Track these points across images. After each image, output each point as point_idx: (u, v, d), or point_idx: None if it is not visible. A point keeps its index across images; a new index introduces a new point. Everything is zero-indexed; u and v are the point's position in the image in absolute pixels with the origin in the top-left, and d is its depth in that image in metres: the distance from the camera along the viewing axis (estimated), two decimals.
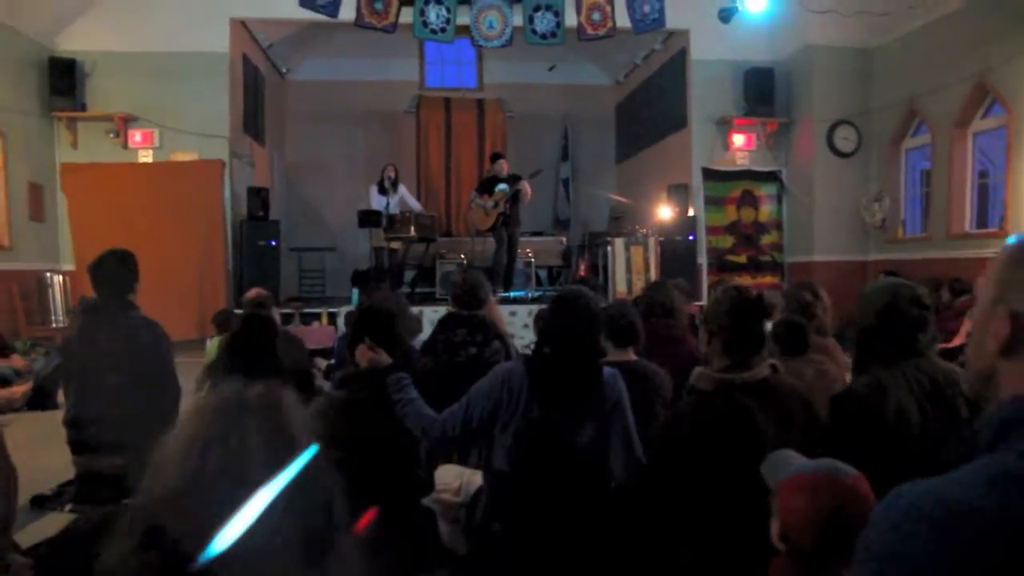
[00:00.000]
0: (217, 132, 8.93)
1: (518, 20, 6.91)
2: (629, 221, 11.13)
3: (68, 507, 3.77)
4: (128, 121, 8.85)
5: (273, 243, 9.06)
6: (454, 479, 3.16)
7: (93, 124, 8.83)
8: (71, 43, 8.76)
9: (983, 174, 8.32)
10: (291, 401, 1.08)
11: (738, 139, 9.69)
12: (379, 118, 12.33)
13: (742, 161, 9.73)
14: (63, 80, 8.59)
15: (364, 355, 2.79)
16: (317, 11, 6.80)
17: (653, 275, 9.25)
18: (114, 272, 3.87)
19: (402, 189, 10.01)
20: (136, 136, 8.90)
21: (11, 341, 7.45)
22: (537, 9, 6.76)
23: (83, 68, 8.76)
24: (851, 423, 2.62)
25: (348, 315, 5.04)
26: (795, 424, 2.49)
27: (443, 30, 6.75)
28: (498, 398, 2.67)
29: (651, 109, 11.21)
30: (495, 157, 9.85)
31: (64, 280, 8.31)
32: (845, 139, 9.29)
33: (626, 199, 12.06)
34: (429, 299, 9.56)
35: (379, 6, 6.56)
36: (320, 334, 7.52)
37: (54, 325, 8.06)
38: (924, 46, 8.44)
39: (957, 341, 7.31)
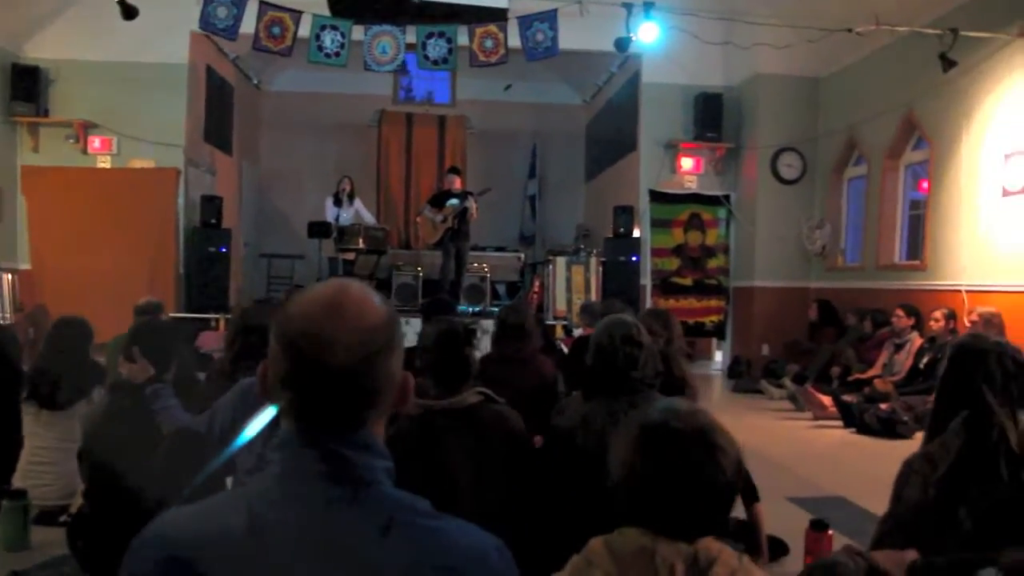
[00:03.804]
0: (174, 141, 9.21)
1: (411, 38, 7.10)
2: (595, 240, 11.26)
3: None
4: (88, 127, 9.17)
5: (223, 250, 9.31)
6: None
7: (54, 129, 9.16)
8: (37, 51, 9.10)
9: (917, 205, 8.34)
10: None
11: (686, 162, 9.79)
12: (351, 130, 12.60)
13: (690, 184, 9.82)
14: (26, 86, 8.94)
15: (122, 366, 2.98)
16: (217, 34, 7.08)
17: (593, 295, 9.38)
18: None
19: (357, 202, 10.26)
20: (95, 142, 9.22)
21: None
22: (430, 36, 6.96)
23: (47, 75, 9.10)
24: (558, 454, 2.78)
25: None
26: (494, 451, 2.62)
27: (337, 54, 6.98)
28: (235, 412, 2.84)
29: (611, 130, 11.35)
30: (450, 171, 10.08)
31: (13, 279, 8.62)
32: (789, 166, 9.35)
33: (587, 218, 12.21)
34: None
35: (276, 31, 6.82)
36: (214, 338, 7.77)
37: (1, 321, 8.36)
38: (863, 77, 8.51)
39: (872, 372, 7.37)
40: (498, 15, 7.91)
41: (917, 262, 7.70)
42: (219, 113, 10.50)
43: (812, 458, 5.53)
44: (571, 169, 13.10)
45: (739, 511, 3.24)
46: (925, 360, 6.86)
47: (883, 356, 7.39)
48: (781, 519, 3.64)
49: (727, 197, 9.81)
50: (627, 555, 1.38)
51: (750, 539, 3.09)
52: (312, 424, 1.07)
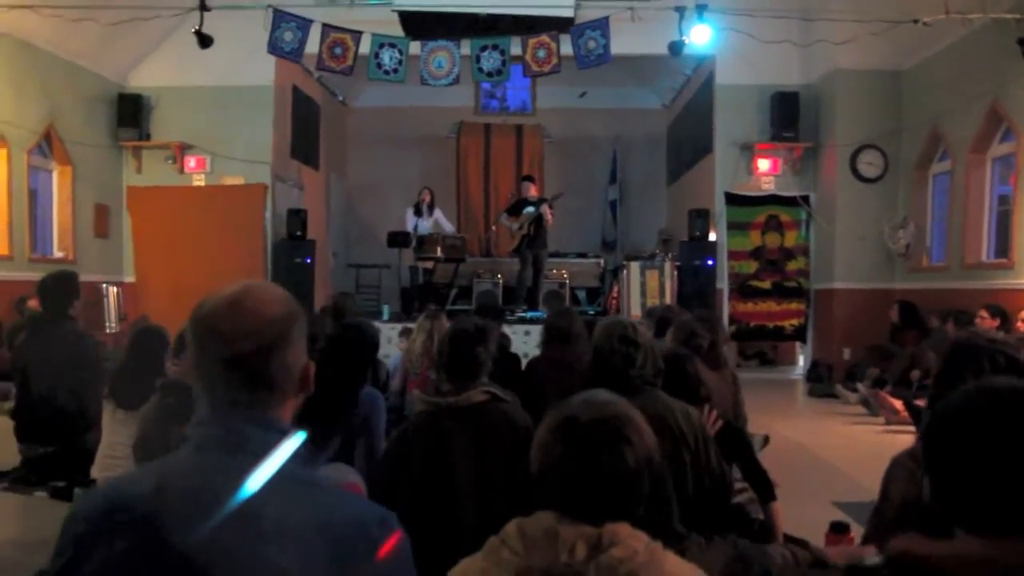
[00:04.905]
0: (262, 158, 9.75)
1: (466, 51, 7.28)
2: (676, 245, 11.17)
3: (3, 486, 4.43)
4: (184, 148, 9.82)
5: (308, 260, 9.75)
6: None
7: (155, 151, 9.87)
8: (139, 80, 9.84)
9: (1006, 200, 7.92)
10: None
11: (763, 164, 9.62)
12: (434, 142, 12.95)
13: (767, 186, 9.64)
14: (130, 113, 9.67)
15: (171, 368, 3.25)
16: (284, 57, 7.47)
17: (668, 300, 9.33)
18: (54, 291, 4.53)
19: (437, 212, 10.52)
20: (191, 162, 9.86)
21: None
22: (484, 48, 7.13)
23: (148, 102, 9.81)
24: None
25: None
26: (496, 448, 2.72)
27: (395, 71, 7.24)
28: None
29: (689, 133, 11.26)
30: (524, 180, 10.24)
31: (118, 291, 9.30)
32: (869, 164, 9.05)
33: (669, 222, 12.13)
34: (465, 315, 9.97)
35: (338, 51, 7.15)
36: None
37: (107, 332, 9.03)
38: (946, 68, 8.17)
39: None
40: (565, 24, 8.03)
41: (1005, 260, 7.32)
42: (306, 130, 11.01)
43: (874, 462, 5.31)
44: (652, 174, 13.04)
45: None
46: None
47: None
48: (820, 522, 3.59)
49: (806, 198, 9.57)
50: (535, 536, 1.48)
51: (767, 538, 3.08)
52: (219, 405, 1.24)
